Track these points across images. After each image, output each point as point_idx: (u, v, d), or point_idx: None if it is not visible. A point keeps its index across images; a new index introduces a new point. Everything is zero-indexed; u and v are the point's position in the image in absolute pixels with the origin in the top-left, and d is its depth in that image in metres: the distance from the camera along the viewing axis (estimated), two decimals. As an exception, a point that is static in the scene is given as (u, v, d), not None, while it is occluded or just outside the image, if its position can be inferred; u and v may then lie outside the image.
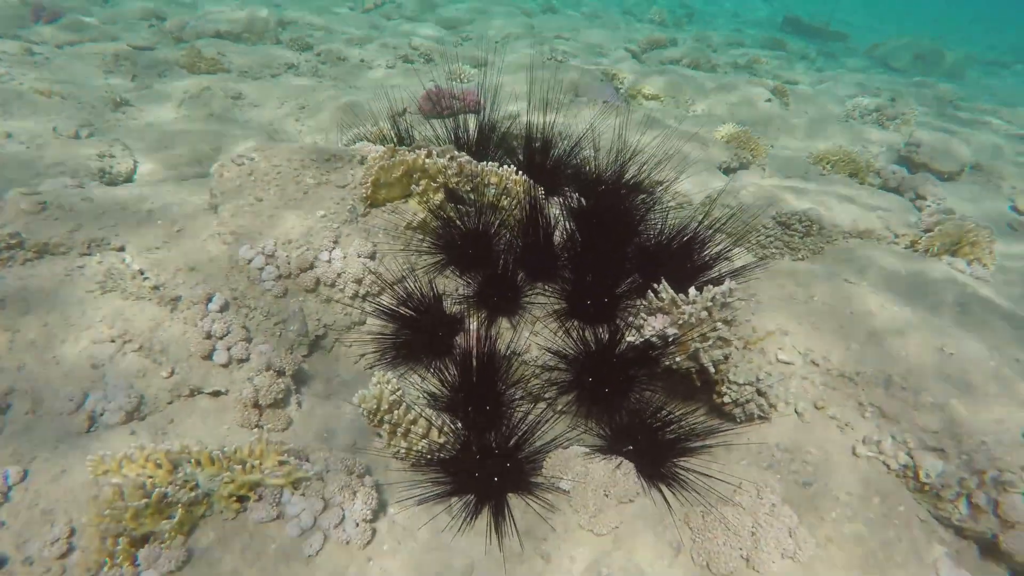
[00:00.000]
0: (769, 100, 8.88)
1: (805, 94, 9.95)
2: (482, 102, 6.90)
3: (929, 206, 5.95)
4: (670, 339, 2.83)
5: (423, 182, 3.48)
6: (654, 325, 2.83)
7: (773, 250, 4.49)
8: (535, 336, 3.14)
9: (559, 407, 3.03)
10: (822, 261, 4.37)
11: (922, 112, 10.04)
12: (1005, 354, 3.08)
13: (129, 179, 4.97)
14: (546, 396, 3.01)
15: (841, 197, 5.48)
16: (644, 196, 4.03)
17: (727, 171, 6.21)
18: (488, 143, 4.47)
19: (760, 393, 2.67)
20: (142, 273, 3.12)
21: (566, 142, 5.59)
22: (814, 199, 5.16)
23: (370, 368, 3.18)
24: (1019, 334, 3.61)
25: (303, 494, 2.35)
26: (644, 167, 5.04)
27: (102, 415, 2.60)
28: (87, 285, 3.04)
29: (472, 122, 4.73)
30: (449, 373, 3.04)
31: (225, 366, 2.93)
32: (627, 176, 4.34)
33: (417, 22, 12.88)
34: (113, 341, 2.86)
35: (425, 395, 3.00)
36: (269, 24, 9.93)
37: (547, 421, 2.84)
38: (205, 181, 3.91)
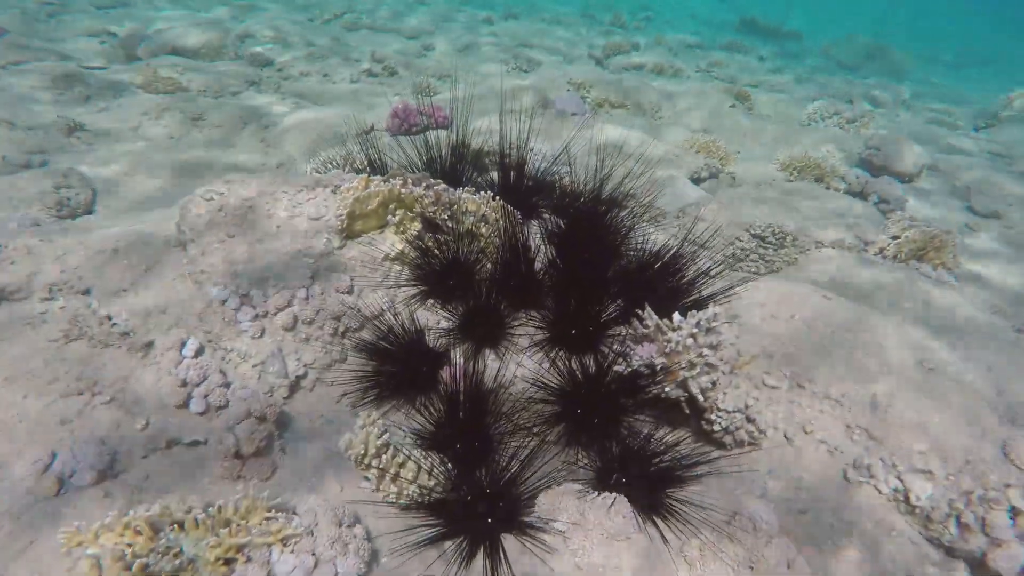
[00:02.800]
0: (733, 106, 9.02)
1: (766, 98, 10.15)
2: (450, 116, 6.84)
3: (894, 211, 6.10)
4: (658, 368, 2.82)
5: (399, 212, 3.42)
6: (641, 355, 2.82)
7: (749, 263, 4.53)
8: (521, 367, 3.10)
9: (549, 438, 3.00)
10: (797, 273, 4.43)
11: (879, 114, 10.32)
12: (979, 364, 3.16)
13: (89, 210, 4.78)
14: (535, 429, 2.98)
15: (810, 207, 5.58)
16: (621, 214, 4.02)
17: (698, 181, 6.27)
18: (462, 161, 4.41)
19: (749, 420, 2.68)
20: (110, 318, 2.98)
21: (539, 158, 5.59)
22: (785, 209, 5.24)
23: (354, 407, 3.10)
24: (991, 341, 3.71)
25: (292, 551, 2.27)
26: (618, 183, 5.06)
27: (71, 477, 2.47)
28: (50, 334, 2.90)
29: (444, 140, 4.68)
30: (435, 408, 2.99)
31: (203, 414, 2.82)
32: (603, 195, 4.34)
33: (379, 32, 12.74)
34: (81, 394, 2.73)
35: (412, 433, 2.94)
36: (227, 39, 9.70)
37: (538, 455, 2.81)
38: (171, 213, 3.77)
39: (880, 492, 2.50)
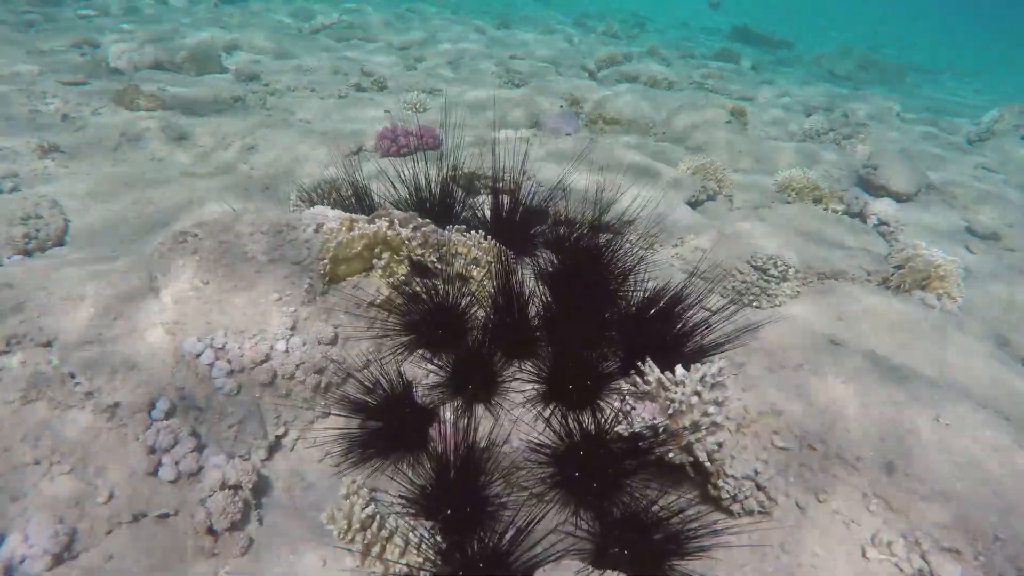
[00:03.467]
0: (728, 121, 8.89)
1: (761, 113, 10.04)
2: (441, 137, 6.66)
3: (893, 233, 5.98)
4: (660, 430, 2.65)
5: (386, 255, 3.23)
6: (643, 416, 2.64)
7: (751, 297, 4.38)
8: (515, 424, 2.92)
9: (545, 500, 2.81)
10: (801, 309, 4.27)
11: (874, 128, 10.23)
12: (997, 415, 3.01)
13: (60, 242, 4.56)
14: (531, 492, 2.79)
15: (810, 231, 5.44)
16: (619, 252, 3.85)
17: (695, 204, 6.12)
18: (451, 195, 4.22)
19: (759, 487, 2.51)
20: (73, 376, 2.77)
21: (532, 184, 5.42)
22: (785, 235, 5.09)
23: (337, 468, 2.91)
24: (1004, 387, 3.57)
25: (267, 648, 2.07)
26: (614, 213, 4.89)
27: (23, 562, 2.26)
28: (6, 395, 2.69)
29: (433, 169, 4.50)
30: (425, 469, 2.80)
31: (174, 482, 2.62)
32: (600, 231, 4.18)
33: (369, 43, 12.54)
34: (38, 463, 2.52)
35: (399, 497, 2.75)
36: (212, 52, 9.47)
37: (534, 522, 2.63)
38: (146, 249, 3.56)
39: (902, 572, 2.33)
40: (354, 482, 2.66)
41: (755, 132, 9.08)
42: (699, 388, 2.72)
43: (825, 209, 6.54)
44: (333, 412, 2.96)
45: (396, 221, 3.27)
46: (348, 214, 3.45)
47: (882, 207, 6.45)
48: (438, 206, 4.09)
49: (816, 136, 9.10)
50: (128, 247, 4.27)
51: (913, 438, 2.68)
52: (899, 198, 7.24)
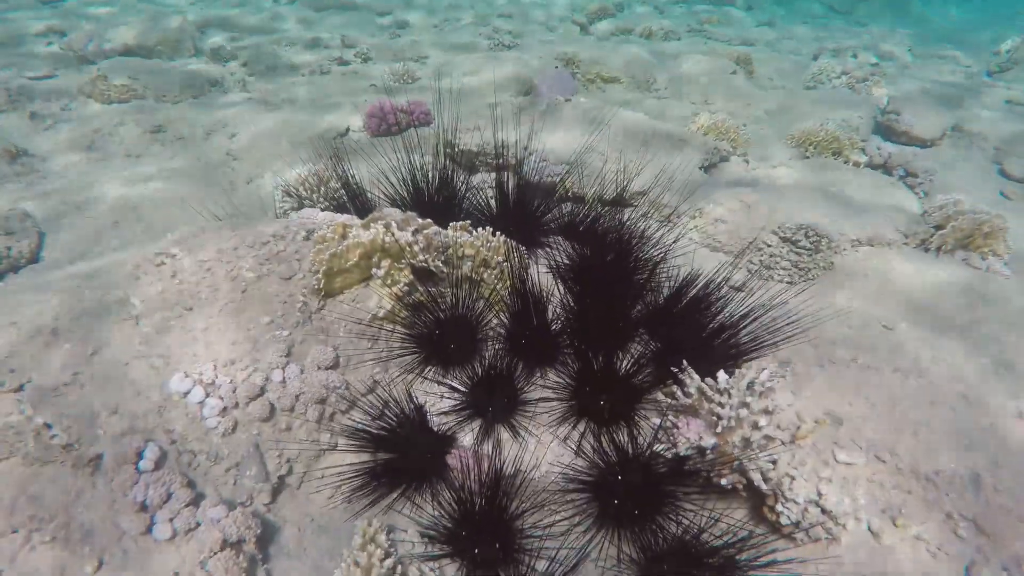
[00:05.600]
0: (734, 72, 8.39)
1: (766, 59, 9.50)
2: (433, 112, 6.24)
3: (921, 184, 5.61)
4: (708, 451, 2.36)
5: (385, 263, 2.90)
6: (688, 436, 2.36)
7: (780, 271, 4.04)
8: (542, 446, 2.64)
9: (580, 528, 2.55)
10: (835, 283, 3.94)
11: (887, 68, 9.71)
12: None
13: (35, 259, 4.23)
14: (563, 523, 2.53)
15: (835, 193, 5.07)
16: (636, 236, 3.50)
17: (708, 168, 5.73)
18: (451, 179, 3.85)
19: (824, 512, 2.24)
20: (48, 427, 2.49)
21: (535, 158, 5.03)
22: (810, 200, 4.73)
23: (349, 504, 2.64)
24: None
25: None
26: (623, 186, 4.53)
27: (10, 655, 2.02)
28: (-23, 454, 2.41)
29: (430, 150, 4.12)
30: (446, 502, 2.54)
31: (171, 540, 2.36)
32: (611, 206, 3.83)
33: (348, 11, 11.89)
34: (15, 532, 2.26)
35: (420, 537, 2.49)
36: (185, 32, 8.93)
37: (568, 559, 2.37)
38: (125, 267, 3.22)
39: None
40: (370, 525, 2.41)
41: (762, 82, 8.59)
42: (747, 398, 2.42)
43: (846, 163, 6.15)
44: (340, 446, 2.68)
45: (394, 224, 2.92)
46: (341, 219, 3.11)
47: (907, 157, 6.06)
48: (438, 195, 3.73)
49: (827, 81, 8.59)
50: (108, 265, 3.94)
51: (998, 439, 2.39)
52: (924, 144, 6.83)
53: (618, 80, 8.17)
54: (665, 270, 3.37)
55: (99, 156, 5.82)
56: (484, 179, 5.00)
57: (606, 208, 3.93)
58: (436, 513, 2.51)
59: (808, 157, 6.18)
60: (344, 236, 2.87)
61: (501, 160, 5.20)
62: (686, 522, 2.37)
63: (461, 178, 4.09)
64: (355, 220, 3.03)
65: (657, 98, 7.75)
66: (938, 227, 4.46)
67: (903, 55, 11.27)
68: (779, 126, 7.00)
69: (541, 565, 2.35)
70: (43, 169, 5.52)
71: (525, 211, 3.64)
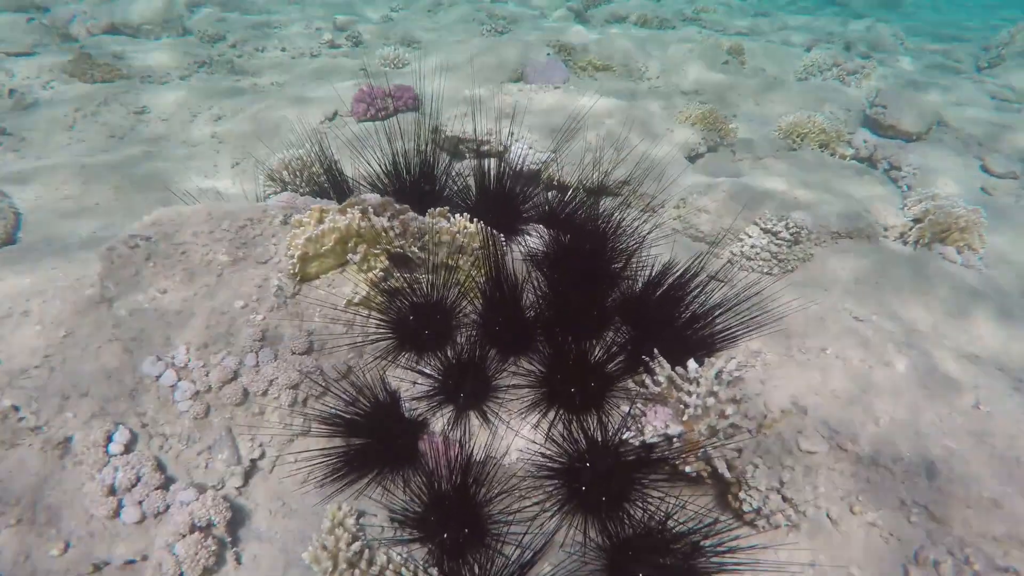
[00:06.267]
0: (726, 62, 8.39)
1: (759, 49, 9.47)
2: (420, 97, 6.20)
3: (904, 178, 5.62)
4: (674, 439, 2.39)
5: (361, 248, 2.90)
6: (654, 424, 2.38)
7: (760, 263, 4.07)
8: (512, 431, 2.66)
9: (548, 514, 2.58)
10: (809, 275, 3.97)
11: (878, 60, 9.70)
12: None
13: (10, 240, 4.19)
14: (534, 508, 2.55)
15: (818, 183, 5.09)
16: (615, 225, 3.51)
17: (694, 158, 5.74)
18: (433, 163, 3.83)
19: (786, 500, 2.27)
20: (16, 409, 2.48)
21: (520, 146, 5.02)
22: (792, 189, 4.75)
23: (321, 487, 2.65)
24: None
25: None
26: (607, 175, 4.53)
27: (-25, 634, 2.03)
28: (-56, 435, 2.41)
29: (413, 136, 4.10)
30: (416, 488, 2.55)
31: (140, 523, 2.37)
32: (595, 195, 3.83)
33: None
34: (-15, 514, 2.26)
35: (389, 522, 2.52)
36: (173, 11, 8.81)
37: (536, 542, 2.40)
38: (97, 261, 3.21)
39: (950, 593, 2.13)
40: (339, 509, 2.42)
41: (754, 72, 8.57)
42: (715, 387, 2.45)
43: (832, 155, 6.17)
44: (313, 430, 2.69)
45: (371, 209, 2.92)
46: (318, 203, 3.09)
47: (892, 151, 6.08)
48: (420, 179, 3.72)
49: (819, 73, 8.59)
50: (85, 245, 3.91)
51: (951, 434, 2.43)
52: (908, 137, 6.84)
53: (610, 68, 8.13)
54: (644, 259, 3.39)
55: (80, 136, 5.75)
56: (467, 165, 4.99)
57: (589, 197, 3.94)
58: (406, 498, 2.53)
59: (795, 149, 6.18)
60: (320, 220, 2.86)
61: (484, 147, 5.20)
62: (652, 508, 2.40)
63: (444, 161, 4.08)
64: (333, 205, 3.02)
65: (648, 86, 7.73)
66: (916, 220, 4.49)
67: (895, 48, 11.26)
68: (768, 117, 7.00)
69: (509, 550, 2.37)
70: (21, 149, 5.46)
71: (506, 198, 3.63)
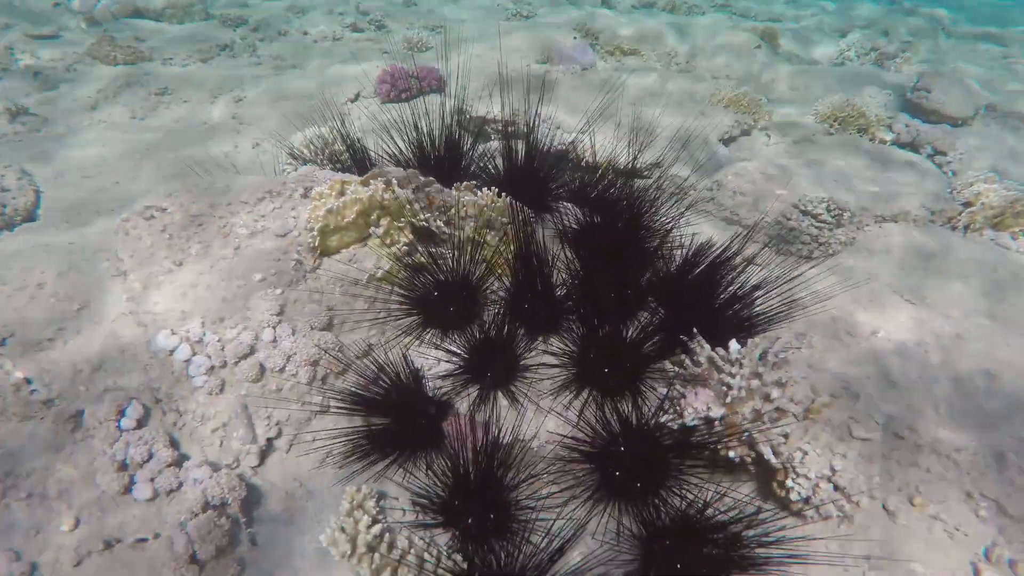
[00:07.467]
0: (758, 46, 8.10)
1: (793, 35, 9.18)
2: (445, 78, 6.06)
3: (950, 164, 5.35)
4: (716, 422, 2.23)
5: (384, 221, 2.77)
6: (695, 407, 2.22)
7: (800, 246, 3.86)
8: (541, 413, 2.52)
9: (580, 500, 2.43)
10: (853, 259, 3.76)
11: (920, 45, 9.33)
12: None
13: (31, 217, 4.14)
14: (564, 494, 2.40)
15: (859, 169, 4.86)
16: (648, 203, 3.34)
17: (728, 141, 5.52)
18: (459, 142, 3.70)
19: (837, 488, 2.10)
20: (28, 382, 2.40)
21: (548, 126, 4.86)
22: (832, 175, 4.53)
23: (340, 469, 2.53)
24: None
25: None
26: (638, 156, 4.36)
27: (-20, 611, 1.95)
28: (-44, 407, 2.33)
29: (437, 115, 3.96)
30: (440, 471, 2.42)
31: (151, 500, 2.27)
32: (626, 176, 3.67)
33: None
34: (-6, 488, 2.18)
35: (412, 506, 2.39)
36: (196, -4, 8.76)
37: (565, 531, 2.26)
38: (112, 233, 3.11)
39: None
40: (359, 491, 2.30)
41: (787, 57, 8.29)
42: (759, 369, 2.28)
43: (871, 140, 5.91)
44: (332, 409, 2.57)
45: (395, 181, 2.79)
46: (339, 175, 2.97)
47: (936, 135, 5.80)
48: (445, 159, 3.59)
49: (856, 57, 8.28)
50: (102, 217, 3.84)
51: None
52: (955, 123, 6.54)
53: (638, 52, 7.92)
54: (679, 239, 3.22)
55: (102, 117, 5.71)
56: (493, 146, 4.85)
57: (619, 177, 3.78)
58: (429, 481, 2.40)
59: (832, 134, 5.93)
60: (342, 193, 2.74)
61: (511, 128, 5.04)
62: (691, 496, 2.24)
63: (469, 141, 3.94)
64: (354, 177, 2.89)
65: (678, 70, 7.50)
66: (966, 204, 4.25)
67: (937, 33, 10.85)
68: (803, 101, 6.74)
69: (537, 538, 2.23)
70: (43, 128, 5.43)
71: (534, 175, 3.48)
